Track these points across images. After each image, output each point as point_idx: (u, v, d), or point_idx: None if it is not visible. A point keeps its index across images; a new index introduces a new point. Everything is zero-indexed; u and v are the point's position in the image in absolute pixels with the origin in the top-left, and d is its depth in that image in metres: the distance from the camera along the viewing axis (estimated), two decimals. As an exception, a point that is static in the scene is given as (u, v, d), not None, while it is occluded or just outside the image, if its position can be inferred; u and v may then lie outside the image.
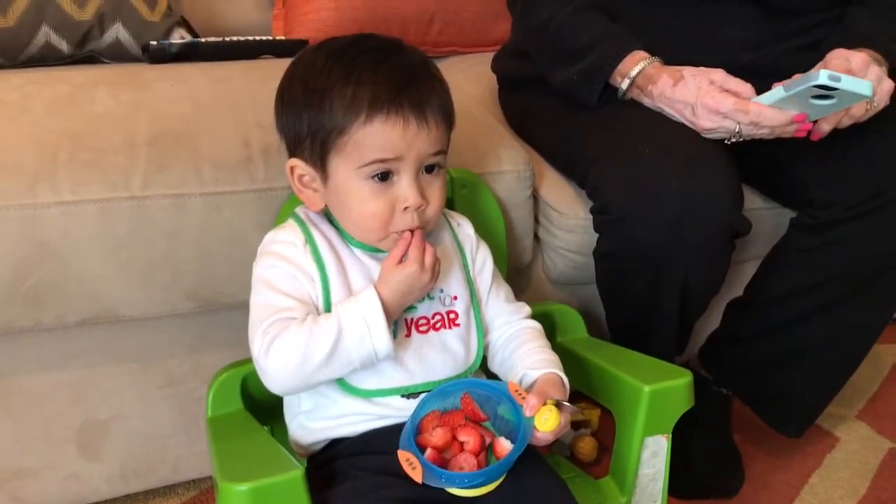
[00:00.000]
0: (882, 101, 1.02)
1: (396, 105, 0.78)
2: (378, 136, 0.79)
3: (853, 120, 1.03)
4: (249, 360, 0.95)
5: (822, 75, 0.91)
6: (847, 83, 0.92)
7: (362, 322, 0.78)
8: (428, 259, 0.81)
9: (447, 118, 0.84)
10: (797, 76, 0.97)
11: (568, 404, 0.82)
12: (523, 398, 0.79)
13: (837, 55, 1.01)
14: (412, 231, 0.82)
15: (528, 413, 0.78)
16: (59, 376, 1.05)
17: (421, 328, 0.87)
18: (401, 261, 0.81)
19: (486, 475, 0.76)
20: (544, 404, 0.79)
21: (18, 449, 1.06)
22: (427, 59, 0.85)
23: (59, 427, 1.07)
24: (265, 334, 0.80)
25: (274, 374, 0.80)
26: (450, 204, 1.03)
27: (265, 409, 0.95)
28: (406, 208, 0.81)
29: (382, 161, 0.80)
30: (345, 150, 0.80)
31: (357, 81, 0.79)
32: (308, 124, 0.81)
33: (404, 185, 0.81)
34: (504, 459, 0.76)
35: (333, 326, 0.78)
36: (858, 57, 1.01)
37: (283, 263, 0.84)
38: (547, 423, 0.78)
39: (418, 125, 0.79)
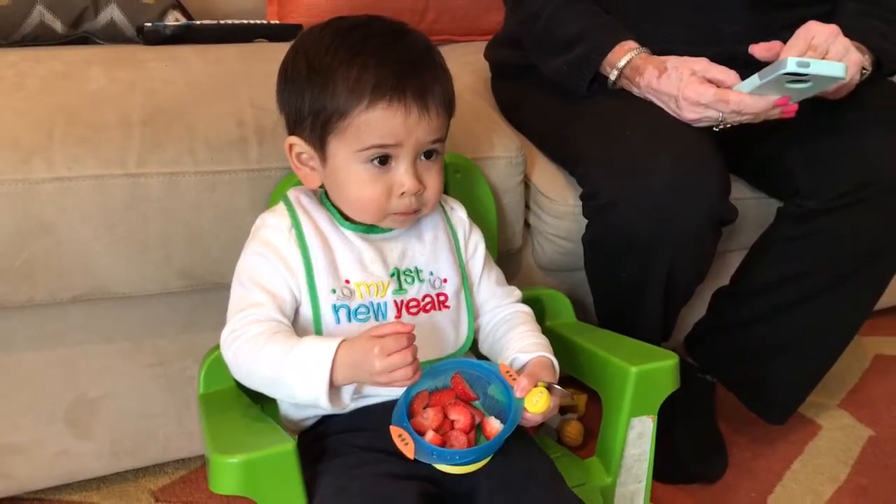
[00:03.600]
0: (849, 73, 1.01)
1: (399, 92, 0.79)
2: (379, 123, 0.79)
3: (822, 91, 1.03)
4: (241, 339, 0.97)
5: (789, 63, 0.91)
6: (817, 67, 0.92)
7: (309, 373, 0.77)
8: (392, 351, 0.74)
9: (448, 106, 0.85)
10: (766, 48, 0.98)
11: (558, 387, 0.83)
12: (514, 379, 0.81)
13: (801, 32, 1.01)
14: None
15: (518, 394, 0.79)
16: (51, 353, 1.05)
17: (411, 310, 0.88)
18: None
19: (478, 453, 0.77)
20: (535, 386, 0.80)
21: (8, 425, 1.06)
22: (431, 45, 0.86)
23: (50, 404, 1.07)
24: (233, 330, 0.82)
25: (232, 367, 0.83)
26: (443, 188, 1.04)
27: (256, 387, 0.96)
28: (403, 193, 0.83)
29: (382, 146, 0.81)
30: (345, 134, 0.81)
31: (361, 65, 0.79)
32: (310, 104, 0.82)
33: (402, 171, 0.82)
34: (495, 438, 0.77)
35: (281, 357, 0.78)
36: (826, 29, 1.00)
37: (266, 251, 0.85)
38: (537, 405, 0.79)
39: (419, 113, 0.80)
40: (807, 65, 0.92)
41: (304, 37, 0.86)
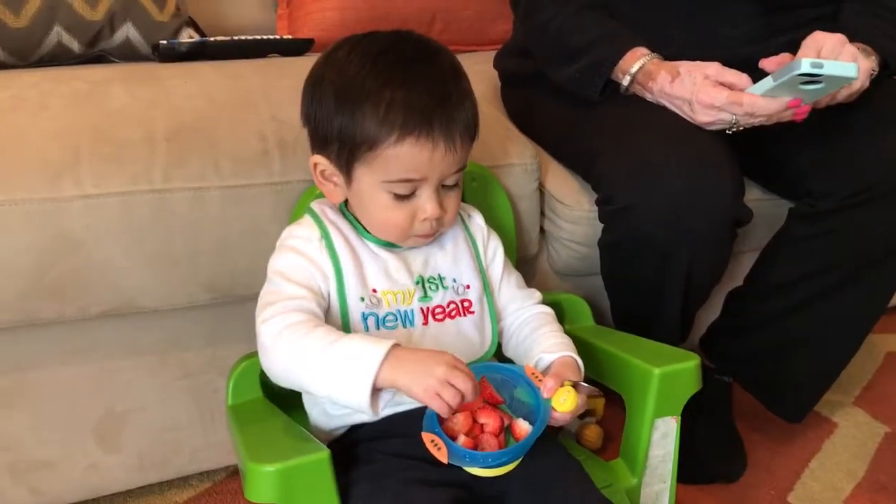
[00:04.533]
0: (858, 80, 1.04)
1: (427, 127, 0.80)
2: (407, 158, 0.81)
3: (830, 97, 1.05)
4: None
5: (803, 64, 0.93)
6: (830, 68, 0.94)
7: (352, 371, 0.76)
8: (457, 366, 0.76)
9: (472, 136, 0.86)
10: (777, 61, 1.00)
11: (585, 385, 0.84)
12: (540, 381, 0.82)
13: (809, 44, 1.03)
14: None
15: (546, 395, 0.81)
16: (79, 369, 1.06)
17: (437, 317, 0.89)
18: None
19: (511, 454, 0.78)
20: (562, 386, 0.81)
21: (38, 440, 1.07)
22: (457, 67, 0.87)
23: (79, 419, 1.09)
24: (274, 315, 0.81)
25: (268, 355, 0.81)
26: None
27: (283, 397, 0.96)
28: (425, 219, 0.84)
29: (408, 181, 0.82)
30: (373, 165, 0.82)
31: (390, 97, 0.80)
32: (339, 131, 0.83)
33: (424, 199, 0.84)
34: (526, 438, 0.78)
35: (327, 345, 0.77)
36: (833, 39, 1.02)
37: (298, 257, 0.86)
38: (565, 403, 0.80)
39: (446, 148, 0.81)
40: (820, 65, 0.93)
41: (330, 58, 0.86)
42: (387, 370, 0.75)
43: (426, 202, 0.84)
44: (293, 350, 0.79)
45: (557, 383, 0.81)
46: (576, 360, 0.89)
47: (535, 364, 0.89)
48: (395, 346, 0.77)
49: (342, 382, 0.77)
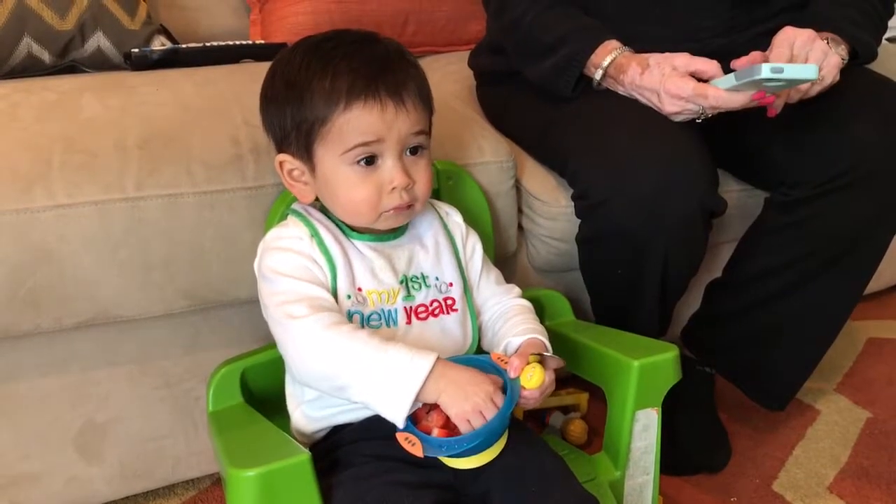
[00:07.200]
0: (829, 75, 1.05)
1: (373, 90, 0.82)
2: (358, 121, 0.82)
3: (801, 94, 1.06)
4: (248, 355, 0.98)
5: (764, 70, 0.94)
6: (790, 72, 0.95)
7: (395, 384, 0.78)
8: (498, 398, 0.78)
9: (425, 101, 0.87)
10: (748, 61, 1.01)
11: (552, 357, 0.85)
12: (506, 363, 0.82)
13: (781, 41, 1.04)
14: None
15: (512, 374, 0.80)
16: (57, 380, 1.05)
17: (420, 315, 0.89)
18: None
19: (483, 435, 0.77)
20: (528, 364, 0.81)
21: (19, 454, 1.06)
22: (401, 48, 0.88)
23: (59, 431, 1.08)
24: (308, 313, 0.80)
25: (305, 350, 0.81)
26: (436, 195, 1.05)
27: (264, 402, 0.96)
28: (393, 189, 0.84)
29: (365, 145, 0.83)
30: (328, 139, 0.83)
31: (334, 72, 0.82)
32: (291, 118, 0.84)
33: (389, 167, 0.84)
34: (497, 415, 0.77)
35: (374, 353, 0.78)
36: (803, 35, 1.04)
37: (297, 256, 0.85)
38: (532, 379, 0.80)
39: (396, 108, 0.83)
40: (780, 70, 0.95)
41: (279, 59, 0.89)
42: (431, 385, 0.78)
43: (391, 171, 0.84)
44: (341, 349, 0.79)
45: (523, 362, 0.81)
46: (543, 343, 0.89)
47: (504, 349, 0.90)
48: (437, 359, 0.79)
49: (383, 393, 0.78)
